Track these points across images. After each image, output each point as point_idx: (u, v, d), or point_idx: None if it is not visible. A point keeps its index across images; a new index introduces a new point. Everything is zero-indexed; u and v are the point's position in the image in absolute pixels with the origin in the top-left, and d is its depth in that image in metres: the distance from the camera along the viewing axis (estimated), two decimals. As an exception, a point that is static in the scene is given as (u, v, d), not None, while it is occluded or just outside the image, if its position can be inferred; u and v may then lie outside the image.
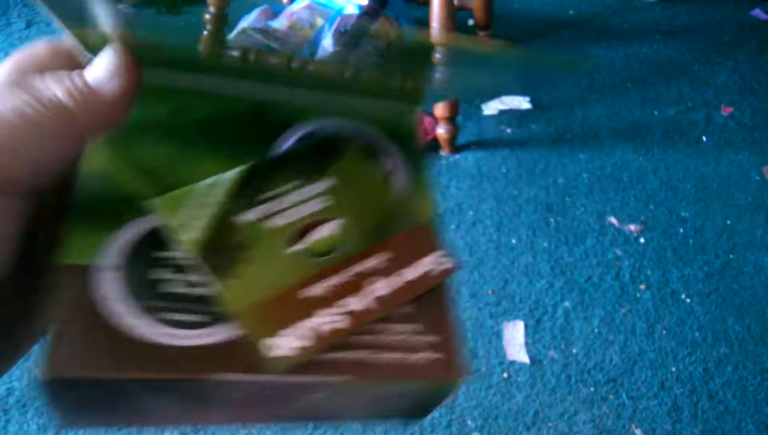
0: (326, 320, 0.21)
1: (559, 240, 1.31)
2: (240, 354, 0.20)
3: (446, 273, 0.23)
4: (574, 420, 1.05)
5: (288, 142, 0.25)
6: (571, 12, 1.98)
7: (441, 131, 1.48)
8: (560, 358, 1.12)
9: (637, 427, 1.04)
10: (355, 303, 0.21)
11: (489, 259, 1.28)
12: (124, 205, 0.21)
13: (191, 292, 0.21)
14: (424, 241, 0.24)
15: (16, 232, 0.20)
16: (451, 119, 1.47)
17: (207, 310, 0.20)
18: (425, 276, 0.23)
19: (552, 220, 1.35)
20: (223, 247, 0.21)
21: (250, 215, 0.22)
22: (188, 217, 0.22)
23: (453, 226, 1.34)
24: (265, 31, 1.61)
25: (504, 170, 1.47)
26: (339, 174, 0.24)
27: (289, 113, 0.26)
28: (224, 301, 0.20)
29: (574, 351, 1.13)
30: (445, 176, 1.45)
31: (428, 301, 0.23)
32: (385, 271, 0.22)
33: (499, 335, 1.15)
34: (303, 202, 0.23)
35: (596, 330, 1.16)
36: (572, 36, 1.87)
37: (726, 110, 1.63)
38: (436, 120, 1.48)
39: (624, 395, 1.07)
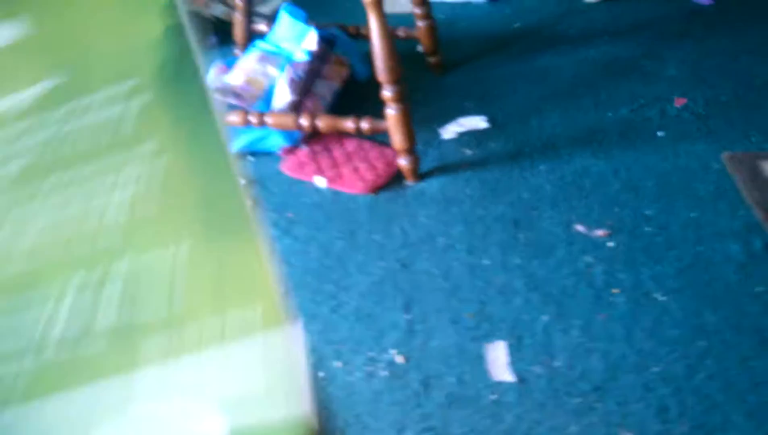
0: None
1: (529, 255, 1.32)
2: None
3: None
4: (566, 433, 1.05)
5: None
6: (516, 25, 2.01)
7: (403, 163, 1.50)
8: (545, 373, 1.13)
9: (627, 431, 1.05)
10: None
11: (464, 283, 1.29)
12: None
13: None
14: None
15: None
16: (411, 150, 1.49)
17: None
18: None
19: (521, 236, 1.37)
20: None
21: None
22: None
23: (426, 255, 1.35)
24: (222, 90, 1.64)
25: (469, 192, 1.48)
26: None
27: None
28: None
29: (558, 364, 1.14)
30: (413, 206, 1.47)
31: None
32: None
33: (482, 358, 1.16)
34: None
35: (576, 340, 1.17)
36: (520, 49, 1.90)
37: (679, 102, 1.65)
38: (396, 152, 1.50)
39: (611, 402, 1.08)
